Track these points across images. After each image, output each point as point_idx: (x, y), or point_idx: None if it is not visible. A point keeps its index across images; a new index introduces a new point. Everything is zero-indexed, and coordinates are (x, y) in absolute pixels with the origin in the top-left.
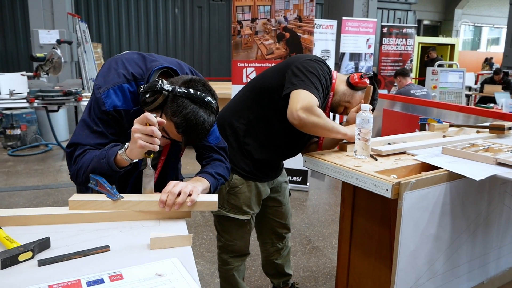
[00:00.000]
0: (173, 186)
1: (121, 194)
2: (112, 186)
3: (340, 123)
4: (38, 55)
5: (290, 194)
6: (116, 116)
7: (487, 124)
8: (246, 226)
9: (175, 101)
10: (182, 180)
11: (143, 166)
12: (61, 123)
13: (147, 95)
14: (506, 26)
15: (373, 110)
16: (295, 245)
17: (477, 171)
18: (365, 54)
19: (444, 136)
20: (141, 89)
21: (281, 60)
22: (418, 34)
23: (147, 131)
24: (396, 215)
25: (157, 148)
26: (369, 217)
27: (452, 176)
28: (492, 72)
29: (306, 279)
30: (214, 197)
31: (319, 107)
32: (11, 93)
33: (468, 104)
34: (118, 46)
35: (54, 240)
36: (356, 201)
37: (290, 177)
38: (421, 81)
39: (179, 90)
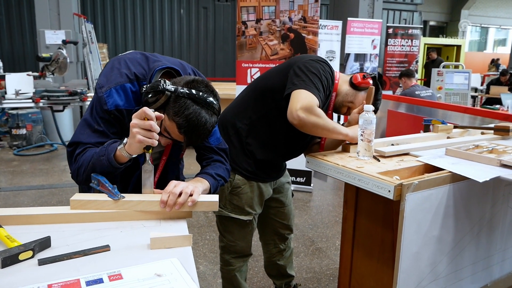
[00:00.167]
0: (174, 186)
1: (122, 194)
2: (114, 186)
3: (343, 124)
4: (44, 55)
5: (292, 195)
6: (118, 116)
7: (491, 125)
8: (248, 226)
9: (177, 102)
10: (183, 180)
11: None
12: (66, 123)
13: (150, 95)
14: None
15: (376, 110)
16: (298, 246)
17: (481, 172)
18: (370, 55)
19: (448, 138)
20: (144, 89)
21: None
22: (424, 35)
23: (145, 126)
24: (398, 216)
25: (156, 143)
26: (372, 219)
27: (456, 178)
28: (498, 73)
29: (309, 280)
30: (215, 198)
31: (319, 107)
32: (17, 93)
33: (474, 106)
34: (124, 46)
35: (54, 240)
36: (359, 202)
37: (294, 178)
38: (426, 82)
39: (181, 90)
